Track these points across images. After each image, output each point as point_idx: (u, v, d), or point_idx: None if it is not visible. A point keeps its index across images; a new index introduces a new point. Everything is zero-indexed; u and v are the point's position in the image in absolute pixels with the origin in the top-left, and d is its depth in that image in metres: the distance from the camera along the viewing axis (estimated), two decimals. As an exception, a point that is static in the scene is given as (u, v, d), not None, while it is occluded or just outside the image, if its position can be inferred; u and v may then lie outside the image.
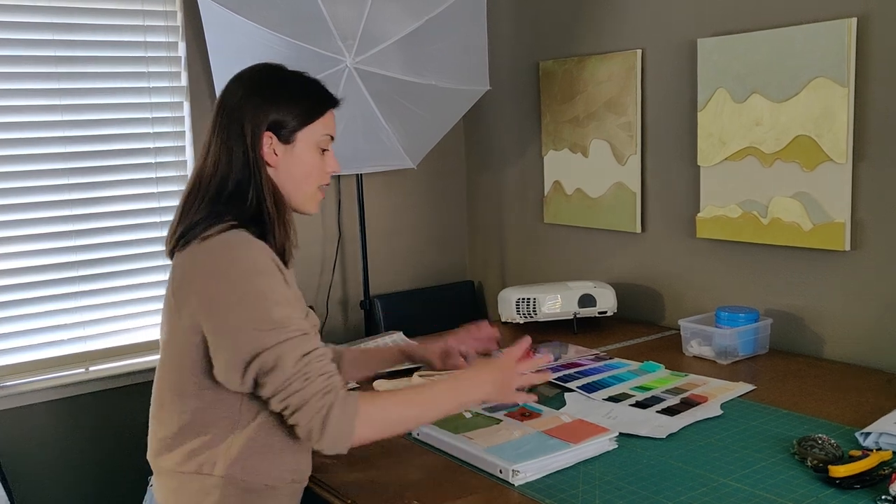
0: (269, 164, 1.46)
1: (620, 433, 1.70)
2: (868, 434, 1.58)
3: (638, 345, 2.48)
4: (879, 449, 1.53)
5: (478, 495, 1.48)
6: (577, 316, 2.62)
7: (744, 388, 1.99)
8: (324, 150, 1.53)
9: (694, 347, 2.29)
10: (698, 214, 2.52)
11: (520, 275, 3.33)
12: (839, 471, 1.43)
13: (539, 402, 1.88)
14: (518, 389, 1.55)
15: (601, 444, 1.64)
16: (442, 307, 3.42)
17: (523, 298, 2.63)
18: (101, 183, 2.72)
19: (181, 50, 2.83)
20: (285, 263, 1.45)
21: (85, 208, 2.69)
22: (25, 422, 2.60)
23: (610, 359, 2.29)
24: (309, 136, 1.49)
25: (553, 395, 1.99)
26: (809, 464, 1.50)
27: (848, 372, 2.11)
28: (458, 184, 3.54)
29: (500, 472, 1.53)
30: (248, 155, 1.43)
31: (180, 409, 1.39)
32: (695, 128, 2.49)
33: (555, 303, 2.61)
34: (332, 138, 1.55)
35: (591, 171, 2.90)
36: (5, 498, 2.16)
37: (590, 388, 2.02)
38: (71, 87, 2.65)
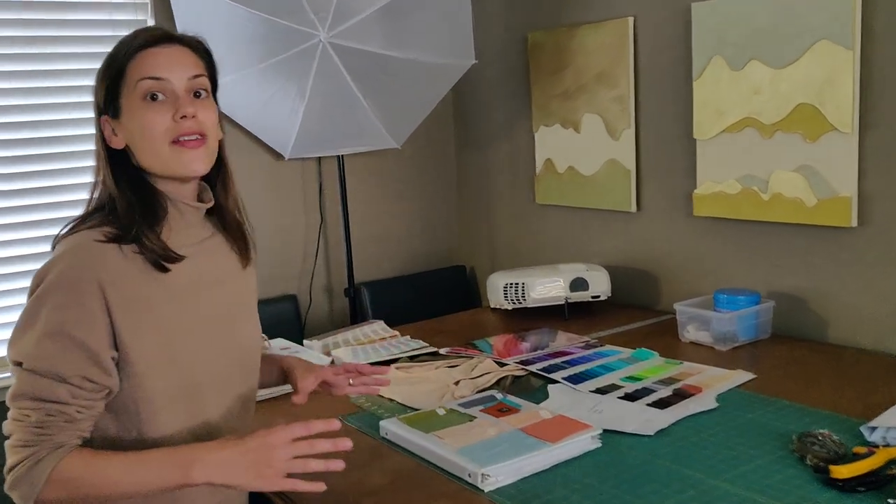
0: (116, 147, 1.27)
1: (604, 430, 1.56)
2: (874, 428, 1.44)
3: (632, 330, 2.34)
4: (887, 445, 1.39)
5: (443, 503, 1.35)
6: (569, 301, 2.48)
7: (742, 376, 1.85)
8: (155, 98, 1.24)
9: (691, 333, 2.15)
10: (695, 191, 2.36)
11: (512, 258, 3.19)
12: (841, 471, 1.28)
13: (515, 394, 1.76)
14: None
15: (582, 443, 1.50)
16: (433, 293, 3.29)
17: (511, 283, 2.50)
18: (64, 170, 2.60)
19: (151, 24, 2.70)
20: (160, 265, 1.24)
21: (47, 196, 2.58)
22: None
23: (601, 346, 2.15)
24: (128, 94, 1.25)
25: (537, 387, 1.86)
26: (809, 462, 1.36)
27: (856, 357, 1.96)
28: (447, 164, 3.40)
29: (469, 476, 1.39)
30: (99, 149, 1.29)
31: None
32: (690, 99, 2.34)
33: (544, 287, 2.47)
34: (161, 79, 1.24)
35: (583, 147, 2.75)
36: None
37: (576, 380, 1.88)
38: (36, 69, 2.53)
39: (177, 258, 1.27)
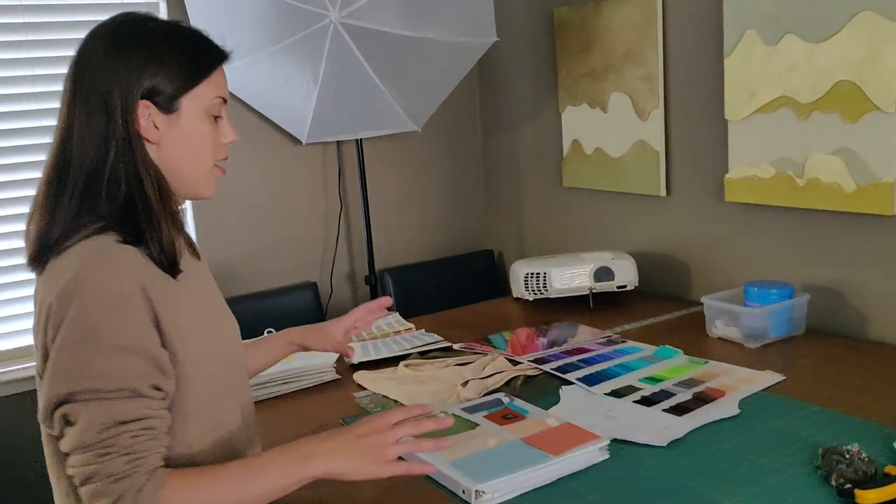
0: (148, 141, 1.16)
1: (614, 440, 1.46)
2: (910, 444, 1.31)
3: (659, 324, 2.22)
4: (923, 464, 1.26)
5: (434, 521, 1.27)
6: (593, 291, 2.37)
7: (770, 378, 1.72)
8: (217, 118, 1.23)
9: (719, 328, 2.02)
10: (727, 175, 2.22)
11: (539, 243, 3.08)
12: (867, 496, 1.17)
13: (526, 395, 1.66)
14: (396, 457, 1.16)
15: (589, 455, 1.40)
16: (459, 279, 3.20)
17: (532, 273, 2.39)
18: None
19: (162, 10, 2.63)
20: (174, 267, 1.17)
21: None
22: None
23: (623, 342, 2.03)
24: (196, 101, 1.18)
25: (550, 388, 1.76)
26: (834, 482, 1.24)
27: (896, 356, 1.82)
28: (473, 145, 3.29)
29: (463, 492, 1.31)
30: (118, 132, 1.13)
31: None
32: (721, 77, 2.19)
33: (567, 277, 2.36)
34: (225, 101, 1.25)
35: (611, 128, 2.61)
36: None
37: (592, 380, 1.78)
38: (43, 55, 2.49)
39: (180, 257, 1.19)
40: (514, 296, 2.49)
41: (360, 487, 1.38)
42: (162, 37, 1.18)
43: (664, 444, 1.45)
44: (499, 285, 3.27)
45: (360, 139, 2.82)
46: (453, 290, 3.13)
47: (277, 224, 2.91)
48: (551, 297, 2.39)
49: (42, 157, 2.50)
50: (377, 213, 3.04)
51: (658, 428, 1.51)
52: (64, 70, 1.18)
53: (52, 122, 1.19)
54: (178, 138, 1.18)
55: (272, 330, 2.12)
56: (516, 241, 3.21)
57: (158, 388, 1.10)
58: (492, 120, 3.22)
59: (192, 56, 1.19)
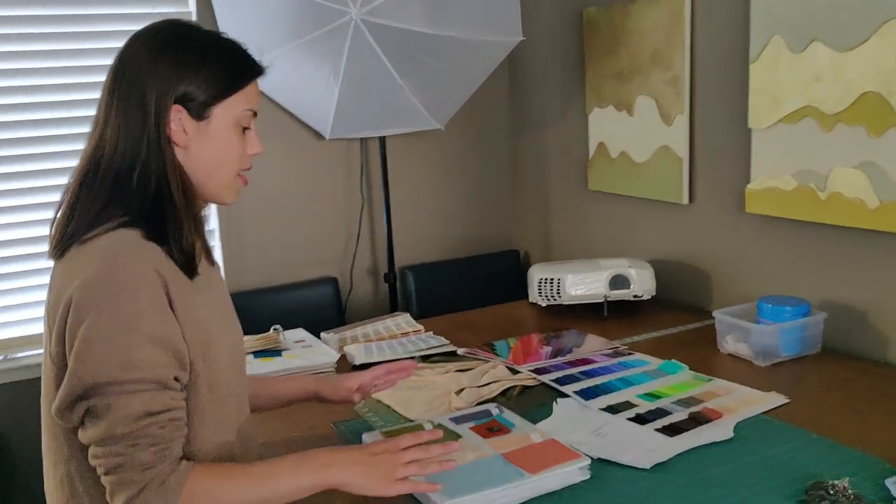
0: (177, 145, 1.20)
1: (599, 459, 1.42)
2: (903, 483, 1.24)
3: (672, 336, 2.16)
4: (913, 505, 1.19)
5: (400, 535, 1.25)
6: (608, 300, 2.32)
7: (774, 400, 1.66)
8: (245, 129, 1.26)
9: (729, 344, 1.96)
10: (748, 185, 2.15)
11: (564, 246, 3.03)
12: (846, 538, 1.11)
13: (522, 405, 1.63)
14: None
15: (567, 475, 1.36)
16: (482, 278, 3.17)
17: (546, 279, 2.35)
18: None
19: (191, 4, 2.66)
20: (192, 268, 1.19)
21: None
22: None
23: (629, 354, 1.99)
24: (227, 111, 1.22)
25: (547, 399, 1.72)
26: (816, 520, 1.19)
27: (914, 383, 1.74)
28: (502, 144, 3.25)
29: (434, 507, 1.29)
30: (151, 132, 1.17)
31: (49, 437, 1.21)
32: (747, 84, 2.11)
33: (581, 284, 2.31)
34: (255, 114, 1.28)
35: (636, 132, 2.55)
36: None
37: (589, 394, 1.74)
38: (76, 65, 2.53)
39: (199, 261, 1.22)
40: (530, 300, 2.46)
41: (330, 495, 1.37)
42: (202, 45, 1.21)
43: (648, 466, 1.40)
44: (523, 287, 3.21)
45: (384, 136, 2.81)
46: (476, 290, 3.10)
47: (300, 218, 2.92)
48: (565, 303, 2.34)
49: (60, 148, 2.52)
50: (401, 210, 3.03)
51: (645, 449, 1.47)
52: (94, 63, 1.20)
53: (85, 112, 1.21)
54: (205, 145, 1.21)
55: (278, 327, 2.13)
56: (542, 242, 3.17)
57: (179, 381, 1.14)
58: (521, 119, 3.18)
59: (229, 67, 1.22)
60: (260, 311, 2.82)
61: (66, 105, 2.52)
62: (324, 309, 2.92)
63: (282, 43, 2.44)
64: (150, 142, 1.17)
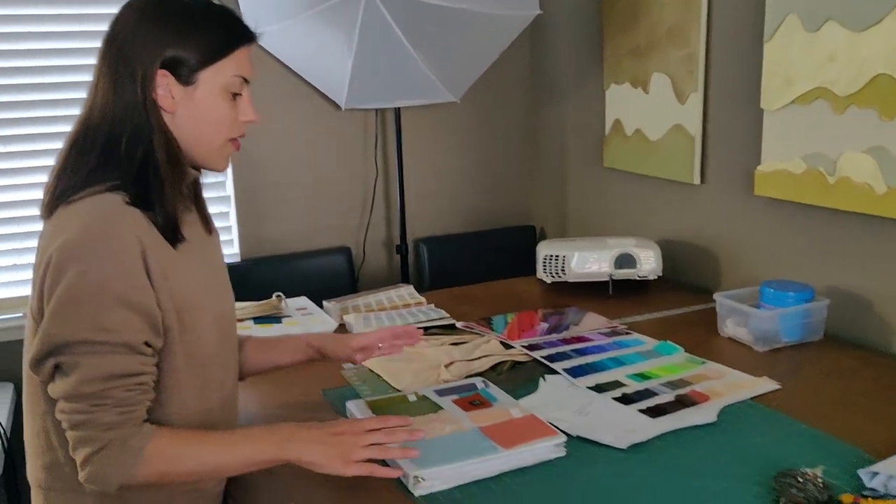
0: (164, 110, 1.21)
1: (577, 437, 1.42)
2: (876, 474, 1.22)
3: (674, 317, 2.14)
4: (884, 496, 1.17)
5: (368, 503, 1.27)
6: (613, 279, 2.30)
7: (765, 386, 1.64)
8: (235, 95, 1.27)
9: (729, 328, 1.94)
10: (758, 167, 2.10)
11: (580, 222, 3.01)
12: (808, 526, 1.10)
13: (511, 381, 1.65)
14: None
15: (541, 451, 1.36)
16: (497, 253, 3.16)
17: (550, 255, 2.34)
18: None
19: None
20: (174, 234, 1.21)
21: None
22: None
23: (627, 334, 1.97)
24: (214, 76, 1.22)
25: (536, 375, 1.72)
26: (783, 507, 1.18)
27: (914, 374, 1.70)
28: (521, 118, 3.22)
29: (404, 476, 1.30)
30: (138, 97, 1.19)
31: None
32: (760, 63, 2.06)
33: (585, 262, 2.30)
34: (247, 81, 1.28)
35: (651, 109, 2.51)
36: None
37: (578, 372, 1.73)
38: (81, 46, 2.56)
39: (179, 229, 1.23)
40: (537, 276, 2.45)
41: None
42: (191, 11, 1.23)
43: (624, 446, 1.40)
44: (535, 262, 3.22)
45: (399, 108, 2.81)
46: (490, 264, 3.10)
47: (316, 186, 2.93)
48: (569, 280, 2.33)
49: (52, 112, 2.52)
50: (417, 182, 3.03)
51: (625, 429, 1.46)
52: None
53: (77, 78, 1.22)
54: (191, 110, 1.23)
55: (280, 294, 2.16)
56: (558, 218, 3.15)
57: (150, 345, 1.16)
58: (540, 94, 3.15)
59: (217, 33, 1.23)
60: (274, 278, 2.85)
61: (61, 70, 2.54)
62: (337, 277, 2.94)
63: (295, 12, 2.44)
64: (137, 106, 1.19)
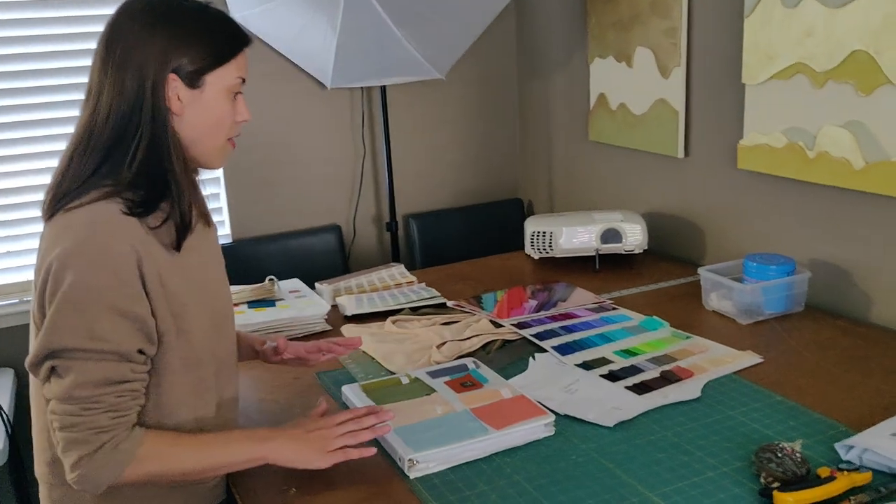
0: (172, 112, 1.24)
1: (565, 416, 1.47)
2: (851, 447, 1.27)
3: (660, 290, 2.18)
4: (858, 469, 1.22)
5: (365, 487, 1.31)
6: (599, 253, 2.34)
7: (748, 360, 1.69)
8: (235, 95, 1.31)
9: (714, 301, 1.98)
10: (740, 141, 2.14)
11: (567, 196, 3.04)
12: (785, 500, 1.15)
13: (501, 360, 1.71)
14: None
15: (531, 431, 1.41)
16: (486, 227, 3.20)
17: (538, 231, 2.37)
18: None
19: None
20: (186, 231, 1.25)
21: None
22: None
23: (613, 309, 2.02)
24: (219, 79, 1.27)
25: (526, 354, 1.77)
26: (762, 481, 1.23)
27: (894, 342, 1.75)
28: (509, 93, 3.23)
29: (399, 459, 1.35)
30: (147, 101, 1.21)
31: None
32: (741, 38, 2.08)
33: (572, 238, 2.33)
34: (244, 81, 1.33)
35: (634, 83, 2.53)
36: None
37: (566, 349, 1.78)
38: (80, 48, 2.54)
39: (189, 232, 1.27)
40: (526, 252, 2.48)
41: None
42: (193, 17, 1.26)
43: (611, 424, 1.45)
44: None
45: (385, 86, 2.81)
46: (480, 238, 3.14)
47: (303, 166, 2.95)
48: (557, 256, 2.37)
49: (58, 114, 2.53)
50: (405, 158, 3.05)
51: (611, 406, 1.51)
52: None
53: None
54: (198, 112, 1.26)
55: (273, 277, 2.19)
56: (546, 192, 3.18)
57: (143, 353, 1.21)
58: (526, 68, 3.16)
59: (221, 37, 1.27)
60: (265, 258, 2.88)
61: (57, 55, 2.49)
62: (328, 255, 2.97)
63: (277, -7, 2.44)
64: (146, 110, 1.22)
